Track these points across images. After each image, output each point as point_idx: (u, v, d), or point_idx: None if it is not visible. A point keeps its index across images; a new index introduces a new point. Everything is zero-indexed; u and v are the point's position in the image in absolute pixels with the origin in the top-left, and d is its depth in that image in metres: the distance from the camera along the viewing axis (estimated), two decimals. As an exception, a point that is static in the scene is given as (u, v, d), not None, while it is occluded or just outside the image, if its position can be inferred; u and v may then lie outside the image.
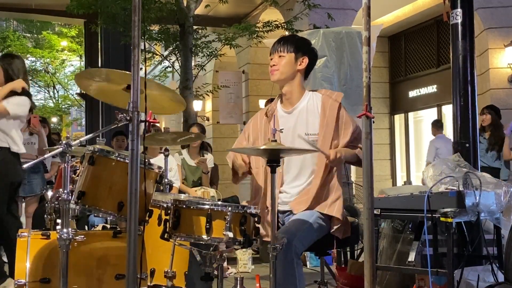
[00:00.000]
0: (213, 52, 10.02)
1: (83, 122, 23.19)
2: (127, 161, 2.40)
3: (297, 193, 2.89)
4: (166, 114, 12.16)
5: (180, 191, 5.41)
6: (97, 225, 4.67)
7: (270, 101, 4.91)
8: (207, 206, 2.33)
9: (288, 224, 2.80)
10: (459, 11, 3.83)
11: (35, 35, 25.75)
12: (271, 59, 2.92)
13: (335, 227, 2.83)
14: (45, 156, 2.82)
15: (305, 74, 2.96)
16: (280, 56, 2.89)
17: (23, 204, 6.26)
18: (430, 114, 12.26)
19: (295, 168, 2.91)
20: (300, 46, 2.91)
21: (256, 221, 2.42)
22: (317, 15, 9.42)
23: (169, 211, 2.40)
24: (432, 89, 11.93)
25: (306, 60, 2.90)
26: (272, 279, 2.39)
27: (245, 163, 2.95)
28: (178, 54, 9.71)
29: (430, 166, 3.30)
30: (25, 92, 4.34)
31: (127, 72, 2.42)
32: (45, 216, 3.10)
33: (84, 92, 3.20)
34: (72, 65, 26.48)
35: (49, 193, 3.67)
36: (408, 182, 11.36)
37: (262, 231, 2.73)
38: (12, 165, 4.22)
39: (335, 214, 2.81)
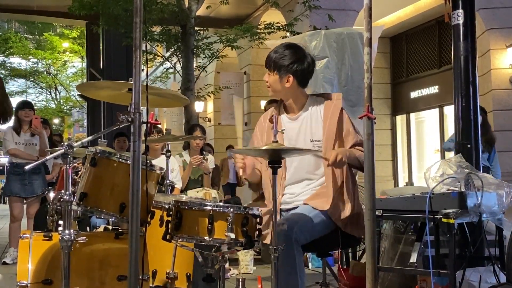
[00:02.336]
0: (215, 53, 10.03)
1: (85, 124, 23.22)
2: (128, 162, 2.40)
3: (303, 191, 2.90)
4: (169, 107, 12.14)
5: (182, 191, 5.41)
6: (99, 227, 4.66)
7: (270, 102, 4.91)
8: (209, 207, 2.33)
9: (289, 214, 2.83)
10: (460, 12, 3.82)
11: (37, 37, 25.81)
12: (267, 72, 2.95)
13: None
14: (47, 157, 2.81)
15: (301, 84, 2.92)
16: (269, 74, 2.92)
17: (25, 206, 6.27)
18: (432, 115, 12.24)
19: (295, 170, 2.93)
20: (283, 66, 2.85)
21: (258, 222, 2.42)
22: (318, 16, 9.41)
23: (170, 212, 2.40)
24: (433, 89, 11.92)
25: (291, 79, 2.86)
26: (274, 281, 2.39)
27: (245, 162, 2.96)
28: (180, 55, 9.72)
29: (431, 167, 3.29)
30: None
31: (125, 82, 2.44)
32: (47, 217, 3.10)
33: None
34: (74, 67, 26.55)
35: (51, 195, 3.66)
36: (410, 183, 11.34)
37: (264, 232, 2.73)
38: None
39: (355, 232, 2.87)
